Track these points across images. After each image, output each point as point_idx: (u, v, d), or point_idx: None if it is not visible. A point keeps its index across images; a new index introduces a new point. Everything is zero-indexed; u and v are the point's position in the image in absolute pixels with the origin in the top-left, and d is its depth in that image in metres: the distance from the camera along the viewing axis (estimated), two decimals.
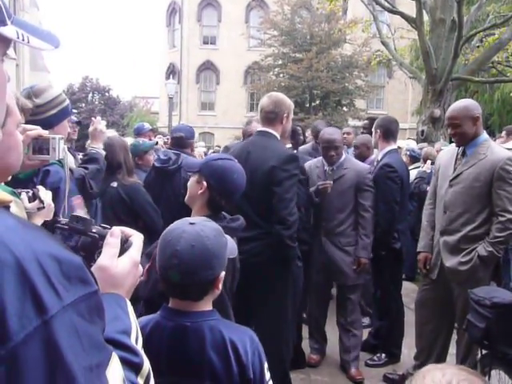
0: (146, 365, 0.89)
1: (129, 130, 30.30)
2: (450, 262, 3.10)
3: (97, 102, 36.42)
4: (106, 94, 37.25)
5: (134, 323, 0.93)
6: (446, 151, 3.44)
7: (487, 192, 2.97)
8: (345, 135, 5.56)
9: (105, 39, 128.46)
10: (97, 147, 2.84)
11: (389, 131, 4.03)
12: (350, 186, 3.72)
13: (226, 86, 29.91)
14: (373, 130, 4.11)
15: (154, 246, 1.93)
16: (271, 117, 3.06)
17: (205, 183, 2.02)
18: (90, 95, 37.03)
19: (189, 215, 3.30)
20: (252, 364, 1.43)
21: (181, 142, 3.87)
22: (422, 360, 3.39)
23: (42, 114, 2.32)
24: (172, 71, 30.47)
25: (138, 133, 5.44)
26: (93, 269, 0.93)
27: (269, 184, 2.87)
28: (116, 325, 0.87)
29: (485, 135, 3.13)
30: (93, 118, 2.92)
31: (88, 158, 2.79)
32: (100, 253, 0.98)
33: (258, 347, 1.48)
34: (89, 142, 3.01)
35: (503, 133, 6.27)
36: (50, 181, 2.13)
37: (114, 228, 1.00)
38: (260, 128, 3.17)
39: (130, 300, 1.00)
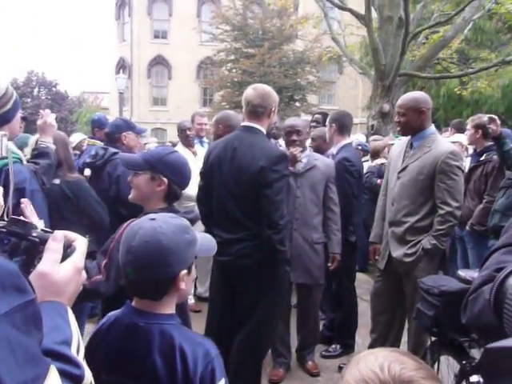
0: (88, 376, 0.84)
1: (78, 126, 29.47)
2: (397, 252, 3.19)
3: (43, 97, 35.18)
4: (53, 88, 36.05)
5: (76, 333, 0.88)
6: (398, 144, 3.50)
7: (430, 185, 3.05)
8: None
9: (51, 32, 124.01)
10: (46, 141, 2.73)
11: (344, 125, 4.08)
12: (321, 178, 3.61)
13: (178, 81, 29.53)
14: (327, 124, 4.14)
15: (109, 242, 1.91)
16: (260, 111, 2.90)
17: (165, 179, 2.03)
18: (36, 90, 35.73)
19: (116, 211, 3.24)
20: (201, 378, 1.33)
21: (108, 137, 3.86)
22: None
23: None
24: (122, 66, 29.79)
25: (100, 126, 5.01)
26: (32, 275, 0.89)
27: (258, 185, 2.73)
28: (55, 335, 0.83)
29: (432, 128, 3.21)
30: (41, 111, 2.81)
31: (38, 153, 2.68)
32: (40, 258, 0.93)
33: (213, 363, 1.36)
34: (36, 136, 2.89)
35: (449, 128, 6.51)
36: (14, 181, 2.03)
37: (57, 232, 0.95)
38: (245, 122, 2.99)
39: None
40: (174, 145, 5.99)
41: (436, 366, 2.49)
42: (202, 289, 5.18)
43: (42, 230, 0.98)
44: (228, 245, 2.82)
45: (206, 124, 5.16)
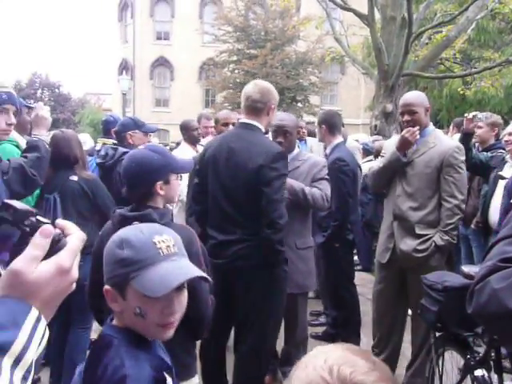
0: None
1: (80, 128, 29.55)
2: (405, 245, 3.17)
3: (47, 99, 35.29)
4: (56, 90, 36.19)
5: (24, 342, 0.71)
6: (394, 141, 3.48)
7: (437, 178, 3.09)
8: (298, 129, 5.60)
9: (54, 34, 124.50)
10: (39, 134, 2.72)
11: (333, 125, 4.06)
12: (303, 180, 3.38)
13: (181, 82, 29.58)
14: (316, 125, 4.13)
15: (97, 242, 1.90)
16: (259, 107, 2.79)
17: None
18: (39, 91, 35.87)
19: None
20: None
21: (116, 136, 3.85)
22: (380, 348, 3.47)
23: None
24: (125, 67, 29.85)
25: (109, 128, 4.68)
26: (5, 272, 0.78)
27: (256, 184, 2.63)
28: None
29: (432, 126, 3.29)
30: (35, 104, 2.80)
31: (28, 147, 2.67)
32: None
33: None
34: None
35: (451, 126, 6.51)
36: None
37: (46, 226, 0.82)
38: (243, 119, 2.88)
39: None
40: (178, 144, 5.96)
41: (440, 361, 2.50)
42: None
43: (38, 219, 0.85)
44: (224, 246, 2.75)
45: (211, 127, 5.13)
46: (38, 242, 0.79)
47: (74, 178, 3.19)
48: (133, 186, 1.96)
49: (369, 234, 6.10)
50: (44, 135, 2.76)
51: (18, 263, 0.77)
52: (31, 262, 0.78)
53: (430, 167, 3.09)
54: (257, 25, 22.79)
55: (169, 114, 29.16)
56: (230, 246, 2.74)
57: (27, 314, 0.74)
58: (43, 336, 0.75)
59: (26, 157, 2.57)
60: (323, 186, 3.37)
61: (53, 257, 0.80)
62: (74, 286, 0.84)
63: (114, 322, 1.30)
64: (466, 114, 4.26)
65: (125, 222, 1.77)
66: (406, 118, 3.18)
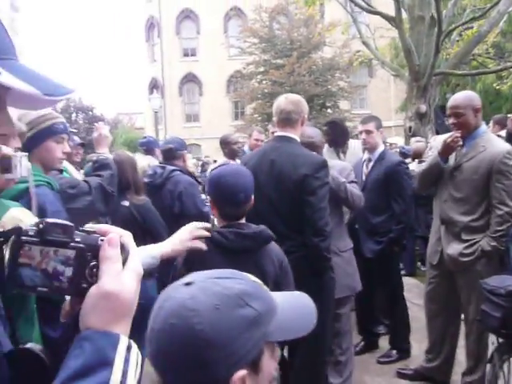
0: None
1: (115, 147, 30.19)
2: (451, 250, 3.13)
3: (81, 122, 36.24)
4: (90, 112, 37.10)
5: (121, 378, 0.66)
6: (440, 141, 3.40)
7: (486, 184, 3.00)
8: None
9: (85, 58, 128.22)
10: (103, 152, 2.77)
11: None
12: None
13: (210, 96, 29.95)
14: (373, 129, 3.98)
15: None
16: (294, 118, 2.84)
17: None
18: (74, 115, 36.87)
19: (179, 227, 3.24)
20: None
21: (170, 153, 3.85)
22: (434, 354, 3.41)
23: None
24: (154, 85, 30.45)
25: (152, 147, 4.68)
26: (94, 295, 0.70)
27: (301, 193, 2.68)
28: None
29: (484, 127, 3.17)
30: (96, 124, 2.87)
31: (99, 165, 2.70)
32: (93, 268, 0.72)
33: None
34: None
35: (491, 123, 6.35)
36: (35, 202, 1.99)
37: (110, 234, 0.74)
38: (279, 132, 2.93)
39: None
40: (215, 161, 6.04)
41: (505, 368, 2.42)
42: None
43: (82, 229, 0.76)
44: None
45: (262, 141, 5.17)
46: (113, 254, 0.72)
47: (126, 203, 3.20)
48: (249, 197, 2.09)
49: (410, 237, 6.00)
50: (107, 153, 2.79)
51: (109, 284, 0.70)
52: (119, 278, 0.71)
53: (479, 173, 3.01)
54: (282, 34, 22.89)
55: (199, 129, 29.55)
56: None
57: (116, 348, 0.68)
58: (137, 364, 0.70)
59: (99, 175, 2.61)
60: (356, 188, 3.44)
61: (127, 266, 0.74)
62: None
63: None
64: (509, 115, 4.09)
65: (242, 239, 1.98)
66: (452, 120, 3.12)
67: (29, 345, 0.84)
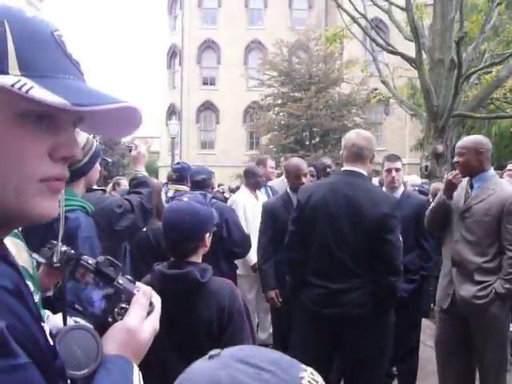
0: None
1: (129, 170, 30.50)
2: (465, 291, 3.12)
3: (97, 143, 36.71)
4: None
5: None
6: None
7: (497, 226, 3.04)
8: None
9: (106, 81, 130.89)
10: (141, 170, 2.82)
11: None
12: None
13: (226, 125, 30.31)
14: (401, 167, 4.05)
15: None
16: (365, 154, 2.83)
17: None
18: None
19: (226, 251, 3.17)
20: None
21: (203, 183, 4.00)
22: None
23: (73, 166, 2.13)
24: (172, 111, 30.93)
25: (186, 175, 4.54)
26: (118, 328, 0.84)
27: (379, 231, 2.67)
28: None
29: (492, 171, 3.26)
30: (134, 142, 2.92)
31: (138, 182, 2.75)
32: (122, 309, 0.86)
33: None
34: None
35: (509, 166, 6.36)
36: (67, 227, 1.96)
37: (146, 288, 0.90)
38: (348, 167, 2.89)
39: None
40: (238, 188, 6.00)
41: None
42: (264, 335, 5.01)
43: (129, 278, 0.91)
44: (337, 295, 2.74)
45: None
46: (144, 303, 0.87)
47: (143, 228, 3.21)
48: (185, 239, 1.87)
49: (423, 278, 5.94)
50: (143, 171, 2.84)
51: (133, 322, 0.84)
52: (142, 322, 0.86)
53: (490, 215, 3.05)
54: (301, 69, 23.24)
55: (214, 156, 29.78)
56: (345, 295, 2.73)
57: (132, 370, 0.81)
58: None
59: (138, 192, 2.67)
60: None
61: (149, 318, 0.88)
62: None
63: None
64: None
65: (165, 280, 1.82)
66: (455, 159, 3.27)
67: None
